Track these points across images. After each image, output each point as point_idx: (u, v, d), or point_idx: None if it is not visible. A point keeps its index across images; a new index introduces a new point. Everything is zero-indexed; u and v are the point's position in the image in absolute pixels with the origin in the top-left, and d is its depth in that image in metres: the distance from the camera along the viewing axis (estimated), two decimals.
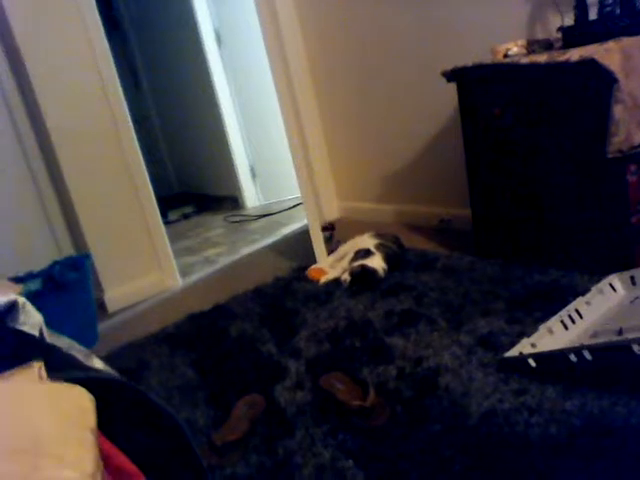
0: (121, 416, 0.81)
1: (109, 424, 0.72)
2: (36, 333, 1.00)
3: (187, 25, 4.49)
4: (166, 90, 5.30)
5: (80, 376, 0.74)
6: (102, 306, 2.94)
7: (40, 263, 2.67)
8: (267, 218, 4.30)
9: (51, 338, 1.06)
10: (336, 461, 1.45)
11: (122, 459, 0.74)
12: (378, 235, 2.76)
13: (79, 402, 0.62)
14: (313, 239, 2.87)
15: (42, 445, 0.53)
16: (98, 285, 2.93)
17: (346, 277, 2.55)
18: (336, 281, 2.61)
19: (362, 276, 2.50)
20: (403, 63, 3.00)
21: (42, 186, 2.96)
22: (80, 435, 0.57)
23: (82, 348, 1.15)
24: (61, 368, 0.76)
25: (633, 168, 1.94)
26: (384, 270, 2.54)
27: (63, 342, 1.10)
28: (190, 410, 1.82)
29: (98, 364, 1.11)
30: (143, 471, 0.76)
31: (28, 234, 2.94)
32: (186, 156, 5.50)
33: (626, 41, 1.85)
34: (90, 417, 0.61)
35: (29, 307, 1.05)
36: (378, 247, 2.63)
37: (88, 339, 2.58)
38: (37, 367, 0.65)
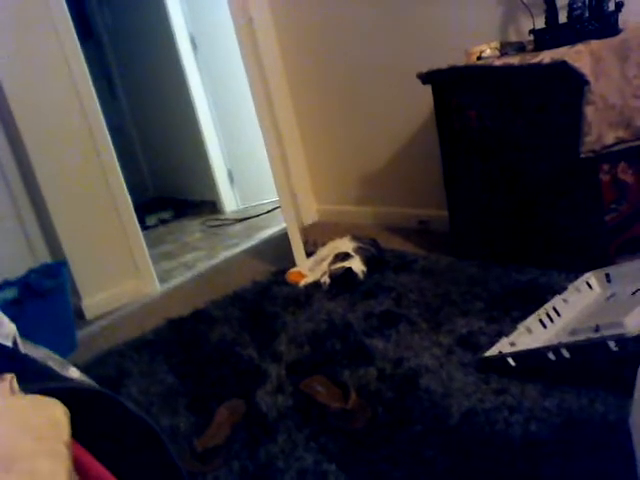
0: (98, 426, 0.79)
1: (86, 434, 0.71)
2: (9, 344, 0.99)
3: (162, 30, 4.46)
4: (142, 96, 5.26)
5: (55, 387, 0.72)
6: (80, 313, 2.91)
7: (16, 271, 2.63)
8: (245, 222, 4.29)
9: (26, 348, 1.04)
10: (318, 465, 1.45)
11: (100, 470, 0.73)
12: (356, 239, 2.77)
13: (52, 415, 0.61)
14: (292, 242, 2.87)
15: (13, 461, 0.52)
16: (75, 292, 2.89)
17: (326, 280, 2.55)
18: (316, 284, 2.61)
19: (343, 278, 2.50)
20: (380, 65, 3.01)
21: (16, 193, 2.91)
22: (53, 449, 0.56)
23: (58, 357, 1.13)
24: (36, 379, 0.75)
25: (606, 167, 1.96)
26: (363, 273, 2.54)
27: (38, 352, 1.08)
28: (171, 417, 1.81)
29: (74, 373, 1.09)
30: None
31: (3, 242, 2.89)
32: (163, 161, 5.47)
33: (595, 44, 1.88)
34: (64, 430, 0.60)
35: (1, 317, 1.03)
36: (357, 250, 2.64)
37: (66, 347, 2.55)
38: (9, 380, 0.64)
